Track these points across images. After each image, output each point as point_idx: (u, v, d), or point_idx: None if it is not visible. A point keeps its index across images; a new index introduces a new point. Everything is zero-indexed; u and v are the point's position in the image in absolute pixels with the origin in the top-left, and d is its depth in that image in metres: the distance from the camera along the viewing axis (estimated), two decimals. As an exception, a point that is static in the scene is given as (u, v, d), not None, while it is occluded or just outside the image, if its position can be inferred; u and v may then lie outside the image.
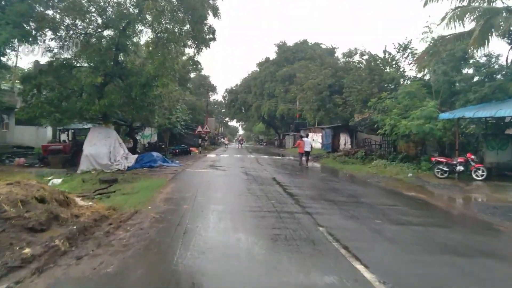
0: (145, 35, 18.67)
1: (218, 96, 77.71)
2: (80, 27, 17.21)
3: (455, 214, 8.24)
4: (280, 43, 56.32)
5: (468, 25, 17.83)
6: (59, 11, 16.22)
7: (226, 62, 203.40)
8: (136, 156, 17.92)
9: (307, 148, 20.16)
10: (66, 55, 17.45)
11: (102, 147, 16.79)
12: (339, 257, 4.64)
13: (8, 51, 17.56)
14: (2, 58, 17.60)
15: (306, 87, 25.51)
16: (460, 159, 14.30)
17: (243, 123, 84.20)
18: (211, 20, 17.30)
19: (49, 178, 12.27)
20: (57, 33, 16.69)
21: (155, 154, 18.21)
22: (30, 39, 16.12)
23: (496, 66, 16.23)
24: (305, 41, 55.00)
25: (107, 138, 17.30)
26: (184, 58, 39.68)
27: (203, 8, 15.87)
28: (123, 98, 18.12)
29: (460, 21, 17.25)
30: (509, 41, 15.81)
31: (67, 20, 16.70)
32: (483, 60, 16.32)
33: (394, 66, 21.19)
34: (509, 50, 15.91)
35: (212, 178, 12.77)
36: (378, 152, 22.71)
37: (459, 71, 16.93)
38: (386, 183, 13.45)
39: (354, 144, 26.74)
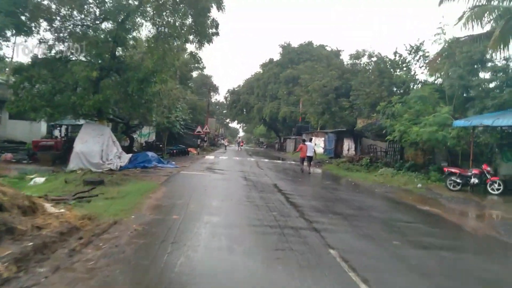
0: (145, 29, 17.83)
1: (220, 97, 77.10)
2: (77, 18, 16.33)
3: (481, 236, 7.26)
4: (285, 44, 55.42)
5: (486, 26, 17.01)
6: (54, 1, 15.34)
7: (229, 63, 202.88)
8: (130, 155, 16.97)
9: (310, 153, 19.20)
10: (62, 47, 16.58)
11: (95, 145, 15.86)
12: (360, 295, 3.69)
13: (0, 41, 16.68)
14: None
15: (311, 88, 24.53)
16: (475, 171, 13.33)
17: (244, 124, 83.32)
18: (214, 13, 16.43)
19: (32, 176, 11.33)
20: (53, 24, 15.84)
21: (150, 154, 17.26)
22: (25, 29, 15.29)
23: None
24: (310, 42, 54.13)
25: (100, 135, 16.38)
26: (186, 55, 38.95)
27: (206, 0, 14.96)
28: (120, 94, 17.28)
29: (478, 21, 16.27)
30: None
31: (63, 10, 15.82)
32: (501, 63, 15.37)
33: (405, 68, 20.23)
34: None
35: (209, 183, 11.80)
36: (384, 159, 21.76)
37: (476, 75, 15.97)
38: (395, 194, 12.49)
39: (358, 150, 25.78)
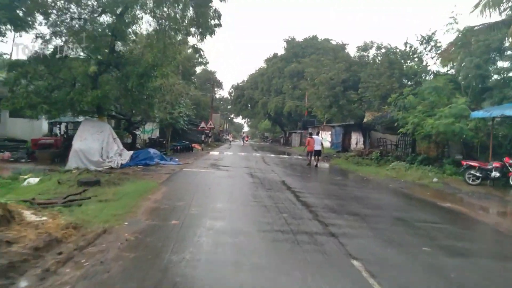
0: (145, 23, 17.10)
1: (224, 93, 76.25)
2: (74, 11, 15.61)
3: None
4: (289, 39, 54.45)
5: (503, 13, 16.10)
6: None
7: (233, 59, 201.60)
8: (131, 152, 16.31)
9: (318, 147, 18.46)
10: (59, 42, 15.91)
11: (94, 142, 15.23)
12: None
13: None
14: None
15: (318, 81, 23.67)
16: (495, 164, 12.48)
17: (248, 120, 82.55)
18: (216, 3, 15.58)
19: (26, 177, 10.66)
20: (49, 18, 15.16)
21: (152, 151, 16.57)
22: (20, 23, 14.63)
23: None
24: (314, 36, 53.09)
25: (100, 132, 15.74)
26: (188, 49, 38.20)
27: (208, -12, 14.19)
28: (120, 90, 16.64)
29: (496, 8, 15.42)
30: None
31: (59, 3, 15.13)
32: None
33: (416, 59, 19.31)
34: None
35: (213, 181, 11.08)
36: (394, 153, 20.90)
37: (494, 65, 15.08)
38: (411, 189, 11.70)
39: (367, 143, 24.92)
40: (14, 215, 4.54)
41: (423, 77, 19.02)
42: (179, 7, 15.33)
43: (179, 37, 16.87)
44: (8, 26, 14.63)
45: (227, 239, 5.02)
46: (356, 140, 28.74)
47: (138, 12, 16.44)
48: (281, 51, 55.66)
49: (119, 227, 5.25)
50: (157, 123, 28.35)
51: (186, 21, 15.74)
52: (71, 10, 15.42)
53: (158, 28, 16.29)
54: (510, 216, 8.73)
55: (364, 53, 24.54)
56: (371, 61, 21.80)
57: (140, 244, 4.59)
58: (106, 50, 15.88)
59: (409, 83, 19.60)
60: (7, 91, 15.94)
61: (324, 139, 30.58)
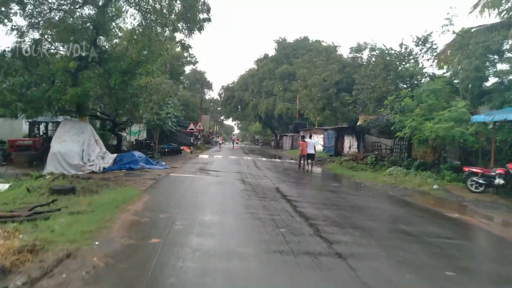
0: (130, 17, 16.20)
1: (214, 94, 75.39)
2: (52, 1, 14.64)
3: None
4: (280, 39, 53.80)
5: (503, 15, 15.73)
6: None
7: (223, 59, 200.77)
8: (114, 155, 15.33)
9: (311, 151, 17.79)
10: (36, 35, 14.91)
11: (74, 145, 14.27)
12: None
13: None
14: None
15: (310, 83, 22.97)
16: (499, 171, 11.88)
17: (239, 122, 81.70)
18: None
19: (-6, 182, 9.69)
20: (25, 8, 14.15)
21: (136, 154, 15.61)
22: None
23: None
24: (306, 38, 52.54)
25: (80, 133, 14.78)
26: (178, 49, 37.11)
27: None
28: (103, 88, 15.69)
29: (495, 9, 15.00)
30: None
31: (36, -7, 14.17)
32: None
33: (412, 61, 18.76)
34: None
35: (201, 188, 10.21)
36: (390, 157, 20.31)
37: (493, 67, 14.59)
38: (413, 197, 11.04)
39: (361, 147, 24.33)
40: (-48, 237, 3.64)
41: (419, 80, 18.47)
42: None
43: (166, 33, 15.97)
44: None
45: (217, 264, 4.18)
46: (350, 143, 28.18)
47: (122, 4, 15.61)
48: (272, 52, 55.04)
49: (88, 248, 4.37)
50: (144, 124, 27.29)
51: (173, 15, 14.91)
52: (49, 0, 14.50)
53: (143, 22, 15.44)
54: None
55: (357, 54, 23.95)
56: (366, 63, 21.18)
57: (110, 273, 3.72)
58: (87, 45, 14.96)
59: (404, 85, 19.08)
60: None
61: (316, 142, 29.99)
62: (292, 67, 45.57)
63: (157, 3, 14.72)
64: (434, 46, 18.82)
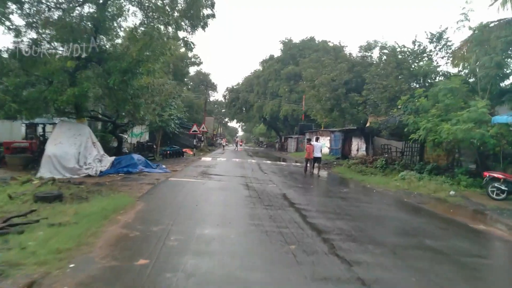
0: (132, 16, 15.52)
1: (218, 95, 74.80)
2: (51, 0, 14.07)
3: None
4: (286, 40, 52.98)
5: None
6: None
7: (228, 61, 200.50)
8: (112, 158, 14.63)
9: (317, 154, 17.04)
10: (34, 34, 14.32)
11: (70, 147, 13.60)
12: None
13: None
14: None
15: (318, 83, 22.12)
16: (524, 176, 11.05)
17: (243, 124, 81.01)
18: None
19: (-22, 188, 8.98)
20: (23, 7, 13.57)
21: (136, 157, 14.89)
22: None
23: None
24: (312, 38, 51.72)
25: (77, 135, 14.11)
26: (182, 50, 36.46)
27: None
28: (102, 88, 15.07)
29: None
30: None
31: (34, -9, 13.59)
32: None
33: (425, 59, 17.85)
34: None
35: (201, 194, 9.45)
36: (401, 161, 19.43)
37: (516, 63, 13.71)
38: (430, 205, 10.19)
39: (370, 150, 23.44)
40: None
41: (434, 78, 17.59)
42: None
43: (170, 31, 15.28)
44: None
45: (215, 296, 3.41)
46: (357, 146, 27.29)
47: (123, 1, 14.97)
48: (277, 53, 54.23)
49: (59, 273, 3.62)
50: (147, 126, 26.64)
51: (176, 12, 14.22)
52: (47, -1, 13.92)
53: (145, 20, 14.80)
54: None
55: (367, 53, 23.10)
56: (377, 61, 20.31)
57: (78, 312, 2.97)
58: (87, 44, 14.33)
59: (417, 85, 18.20)
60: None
61: (323, 145, 29.19)
62: (298, 68, 44.76)
63: (159, 0, 14.06)
64: (449, 43, 17.94)
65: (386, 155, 20.73)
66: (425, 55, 18.18)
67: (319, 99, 22.79)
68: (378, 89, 17.39)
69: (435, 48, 18.07)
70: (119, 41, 16.64)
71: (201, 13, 13.54)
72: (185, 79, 46.36)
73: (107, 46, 15.70)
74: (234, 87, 60.14)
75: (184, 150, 28.35)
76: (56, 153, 13.16)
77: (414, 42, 18.38)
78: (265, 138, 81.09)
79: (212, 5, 13.31)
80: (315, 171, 16.95)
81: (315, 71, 24.29)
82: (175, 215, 6.61)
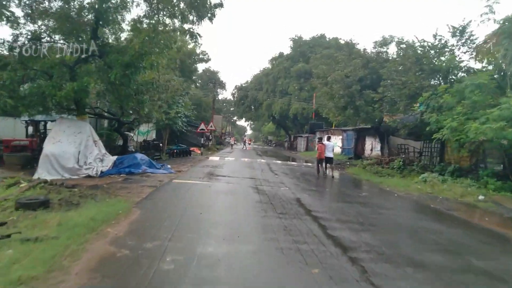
0: (135, 7, 14.70)
1: (227, 94, 74.01)
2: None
3: None
4: (295, 37, 51.96)
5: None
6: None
7: (237, 60, 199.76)
8: (114, 158, 13.83)
9: (329, 154, 16.04)
10: (33, 26, 13.62)
11: (69, 146, 12.83)
12: None
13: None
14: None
15: (331, 79, 21.05)
16: None
17: (251, 122, 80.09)
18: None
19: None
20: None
21: (139, 156, 14.05)
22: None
23: None
24: (323, 35, 50.59)
25: (77, 133, 13.33)
26: (190, 46, 35.62)
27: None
28: (104, 83, 14.31)
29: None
30: None
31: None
32: None
33: (446, 54, 16.69)
34: None
35: (207, 200, 8.53)
36: (419, 162, 18.29)
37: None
38: (462, 212, 9.11)
39: (385, 150, 22.30)
40: None
41: (456, 74, 16.44)
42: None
43: (176, 23, 14.41)
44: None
45: None
46: (371, 145, 26.15)
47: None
48: (287, 51, 53.26)
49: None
50: (154, 124, 25.88)
51: (181, 3, 13.34)
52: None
53: (149, 12, 13.98)
54: None
55: (382, 49, 21.95)
56: (394, 56, 19.18)
57: None
58: (88, 36, 13.57)
59: (438, 81, 17.06)
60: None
61: (334, 144, 28.13)
62: (308, 66, 43.68)
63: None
64: (472, 38, 16.74)
65: (403, 156, 19.59)
66: (447, 49, 17.01)
67: (332, 97, 21.73)
68: (396, 86, 16.28)
69: (457, 42, 16.91)
70: (124, 35, 15.87)
71: (208, 2, 12.60)
72: (194, 77, 45.60)
73: (110, 40, 14.96)
74: (243, 85, 59.28)
75: (191, 149, 27.55)
76: (55, 152, 12.41)
77: (435, 36, 17.22)
78: (274, 137, 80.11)
79: (219, -6, 12.36)
80: (329, 172, 15.97)
81: (328, 68, 23.23)
82: (175, 226, 5.69)
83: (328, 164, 16.16)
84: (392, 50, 24.19)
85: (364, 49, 23.16)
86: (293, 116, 47.03)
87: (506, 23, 13.70)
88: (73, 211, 6.18)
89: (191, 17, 14.12)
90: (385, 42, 21.51)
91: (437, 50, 16.96)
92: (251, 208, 7.66)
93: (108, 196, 7.94)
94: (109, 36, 15.29)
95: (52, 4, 13.32)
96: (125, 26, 15.14)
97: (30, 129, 17.87)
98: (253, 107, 57.59)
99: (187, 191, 9.45)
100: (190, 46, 33.59)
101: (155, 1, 13.80)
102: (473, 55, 16.81)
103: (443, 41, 17.04)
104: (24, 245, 4.33)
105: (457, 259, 5.12)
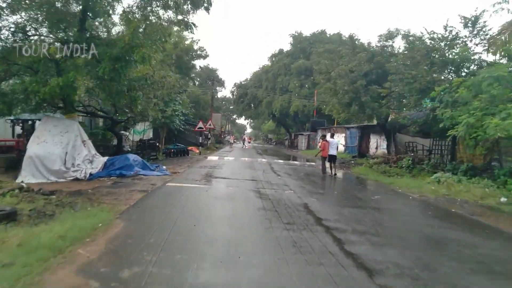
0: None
1: (226, 92, 73.03)
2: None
3: None
4: (295, 34, 50.92)
5: None
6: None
7: (236, 58, 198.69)
8: (105, 159, 12.88)
9: (333, 152, 15.18)
10: (17, 17, 12.65)
11: (55, 146, 11.89)
12: None
13: None
14: None
15: (335, 74, 20.05)
16: None
17: (251, 121, 79.11)
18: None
19: None
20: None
21: (131, 157, 13.08)
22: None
23: None
24: (323, 31, 49.55)
25: (64, 133, 12.39)
26: (187, 42, 34.61)
27: None
28: (94, 79, 13.38)
29: None
30: None
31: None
32: None
33: (457, 46, 15.72)
34: None
35: (203, 207, 7.53)
36: (430, 160, 17.33)
37: None
38: (487, 217, 8.15)
39: (392, 148, 21.32)
40: None
41: (469, 67, 15.48)
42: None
43: (170, 14, 13.43)
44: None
45: None
46: (377, 143, 25.18)
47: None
48: (287, 47, 52.21)
49: None
50: (150, 122, 24.88)
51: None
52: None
53: (142, 3, 13.01)
54: None
55: (387, 42, 20.99)
56: (400, 50, 18.22)
57: None
58: (74, 27, 12.61)
59: (449, 75, 16.10)
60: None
61: (337, 142, 27.15)
62: (309, 62, 42.70)
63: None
64: (484, 29, 15.77)
65: (412, 154, 18.62)
66: (458, 41, 16.04)
67: (335, 93, 20.72)
68: (406, 80, 15.29)
69: (469, 34, 15.93)
70: (117, 29, 14.89)
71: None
72: (192, 74, 44.56)
73: (100, 33, 14.00)
74: (242, 83, 58.26)
75: (189, 148, 26.58)
76: (39, 154, 11.48)
77: (445, 27, 16.23)
78: (274, 135, 79.18)
79: (216, -21, 11.36)
80: (332, 171, 15.13)
81: (330, 63, 22.22)
82: (163, 244, 4.71)
83: (331, 162, 15.34)
84: (397, 44, 23.17)
85: (369, 43, 22.20)
86: (294, 113, 46.06)
87: (523, 12, 12.73)
88: (43, 225, 5.21)
89: (186, 8, 13.21)
90: (390, 36, 20.54)
91: (448, 42, 15.99)
92: (254, 217, 6.68)
93: (91, 204, 6.97)
94: (101, 29, 14.36)
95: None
96: (117, 19, 14.23)
97: (16, 128, 16.87)
98: (252, 105, 56.60)
99: (181, 196, 8.46)
100: (187, 42, 32.66)
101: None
102: (486, 47, 15.86)
103: (454, 33, 16.07)
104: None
105: (508, 284, 4.16)
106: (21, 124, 16.03)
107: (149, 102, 17.72)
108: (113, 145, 20.15)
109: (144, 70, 14.48)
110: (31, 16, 12.46)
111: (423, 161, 17.16)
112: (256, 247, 4.95)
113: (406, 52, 17.32)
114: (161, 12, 13.26)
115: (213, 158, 22.94)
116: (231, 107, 77.61)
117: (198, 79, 57.09)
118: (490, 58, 15.97)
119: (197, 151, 27.38)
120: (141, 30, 11.94)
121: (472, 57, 15.54)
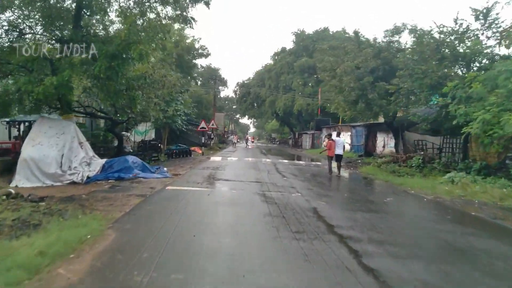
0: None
1: (229, 91, 72.57)
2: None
3: None
4: (298, 31, 50.23)
5: None
6: None
7: (239, 57, 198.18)
8: (103, 161, 12.36)
9: (339, 151, 14.65)
10: (9, 15, 12.21)
11: (51, 149, 11.38)
12: None
13: None
14: None
15: (341, 71, 19.43)
16: None
17: (254, 120, 78.54)
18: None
19: None
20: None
21: (131, 159, 12.54)
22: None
23: None
24: (326, 28, 48.86)
25: (60, 134, 11.89)
26: (188, 41, 34.08)
27: None
28: (91, 78, 12.89)
29: None
30: None
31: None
32: None
33: (468, 40, 15.07)
34: None
35: (203, 214, 6.95)
36: (441, 159, 16.69)
37: None
38: (511, 222, 7.54)
39: (400, 146, 20.68)
40: None
41: (481, 61, 14.84)
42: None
43: (169, 10, 12.91)
44: None
45: None
46: (384, 142, 24.52)
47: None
48: (289, 45, 51.58)
49: None
50: (152, 123, 24.37)
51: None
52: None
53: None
54: None
55: (393, 38, 20.34)
56: (407, 45, 17.58)
57: None
58: (69, 25, 12.12)
59: (460, 70, 15.46)
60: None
61: (343, 141, 26.52)
62: (312, 60, 42.09)
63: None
64: (498, 21, 15.08)
65: (422, 153, 17.96)
66: (469, 34, 15.37)
67: (341, 90, 20.10)
68: (416, 75, 14.64)
69: (481, 26, 15.26)
70: (115, 26, 14.39)
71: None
72: (194, 74, 44.05)
73: (97, 31, 13.51)
74: (245, 82, 57.72)
75: (192, 148, 26.05)
76: (34, 157, 10.98)
77: (455, 20, 15.56)
78: (278, 135, 78.62)
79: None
80: (338, 170, 14.63)
81: (335, 60, 21.59)
82: (157, 260, 4.14)
83: (337, 162, 14.84)
84: (404, 39, 22.47)
85: (375, 39, 21.52)
86: (298, 112, 45.46)
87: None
88: (25, 238, 4.66)
89: (184, 3, 12.70)
90: (397, 31, 19.89)
91: (459, 36, 15.33)
92: (259, 225, 6.10)
93: (83, 211, 6.43)
94: (98, 27, 13.89)
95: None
96: (115, 17, 13.73)
97: (13, 130, 16.41)
98: (255, 104, 56.05)
99: (181, 201, 7.90)
100: (188, 41, 32.15)
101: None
102: (498, 40, 15.19)
103: (465, 26, 15.41)
104: None
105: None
106: (17, 126, 15.57)
107: (150, 102, 17.21)
108: (114, 146, 19.69)
109: (143, 69, 13.98)
110: (24, 13, 12.01)
111: (433, 160, 16.52)
112: (262, 262, 4.37)
113: (414, 46, 16.68)
114: (159, 8, 12.80)
115: (216, 158, 22.39)
116: (234, 106, 77.11)
117: (200, 79, 56.63)
118: (502, 51, 15.39)
119: (200, 151, 26.85)
120: (138, 24, 11.42)
121: (485, 51, 14.89)
